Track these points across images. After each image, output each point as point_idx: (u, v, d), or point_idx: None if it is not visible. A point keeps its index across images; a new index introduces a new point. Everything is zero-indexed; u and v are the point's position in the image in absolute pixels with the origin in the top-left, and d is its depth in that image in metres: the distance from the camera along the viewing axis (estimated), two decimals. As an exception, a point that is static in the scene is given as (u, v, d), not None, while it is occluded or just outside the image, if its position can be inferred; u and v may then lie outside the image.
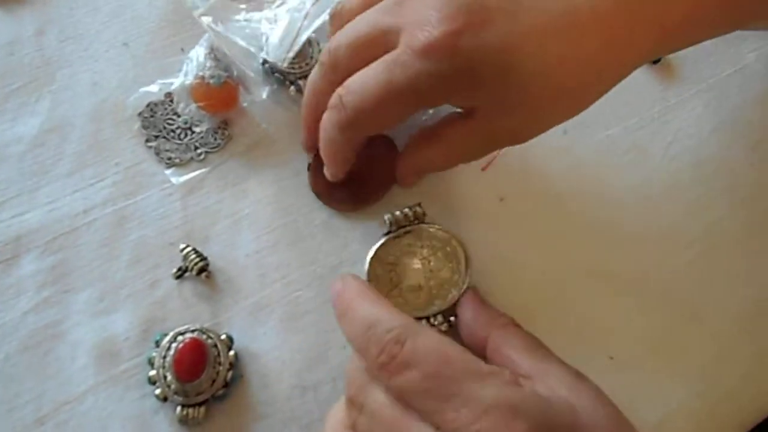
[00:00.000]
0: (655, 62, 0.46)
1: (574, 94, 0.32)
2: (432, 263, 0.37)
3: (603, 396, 0.28)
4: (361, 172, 0.38)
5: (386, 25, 0.32)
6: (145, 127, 0.41)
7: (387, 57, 0.31)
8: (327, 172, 0.38)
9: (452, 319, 0.36)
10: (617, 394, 0.27)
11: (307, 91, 0.38)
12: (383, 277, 0.37)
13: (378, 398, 0.26)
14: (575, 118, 0.33)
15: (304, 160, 0.41)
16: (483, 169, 0.41)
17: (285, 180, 0.40)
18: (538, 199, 0.41)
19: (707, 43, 0.36)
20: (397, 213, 0.37)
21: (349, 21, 0.35)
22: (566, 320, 0.38)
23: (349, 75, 0.33)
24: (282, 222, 0.39)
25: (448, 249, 0.37)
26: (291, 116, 0.42)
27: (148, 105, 0.41)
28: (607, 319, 0.39)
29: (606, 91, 0.33)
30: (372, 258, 0.37)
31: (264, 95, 0.41)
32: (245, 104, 0.42)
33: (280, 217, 0.39)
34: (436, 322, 0.36)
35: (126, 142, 0.40)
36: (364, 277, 0.37)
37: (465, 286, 0.36)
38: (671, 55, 0.46)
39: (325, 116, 0.35)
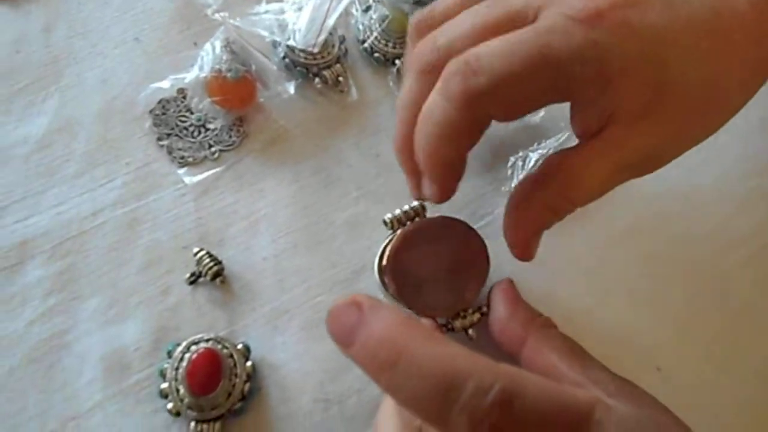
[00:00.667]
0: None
1: (725, 97, 0.27)
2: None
3: (662, 406, 0.25)
4: (450, 268, 0.33)
5: (523, 4, 0.26)
6: (156, 125, 0.39)
7: (535, 25, 0.25)
8: (429, 190, 0.28)
9: (484, 309, 0.33)
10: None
11: (401, 113, 0.29)
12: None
13: None
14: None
15: (324, 157, 0.38)
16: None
17: (304, 179, 0.38)
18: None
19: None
20: (397, 212, 0.34)
21: (443, 23, 0.28)
22: (608, 327, 0.35)
23: None
24: (301, 224, 0.37)
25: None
26: (314, 111, 0.40)
27: (159, 102, 0.39)
28: (652, 326, 0.36)
29: (752, 95, 0.28)
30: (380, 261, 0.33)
31: (292, 90, 0.39)
32: (262, 100, 0.39)
33: (300, 219, 0.37)
34: (468, 315, 0.33)
35: (137, 141, 0.38)
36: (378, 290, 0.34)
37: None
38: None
39: (435, 93, 0.26)
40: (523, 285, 0.34)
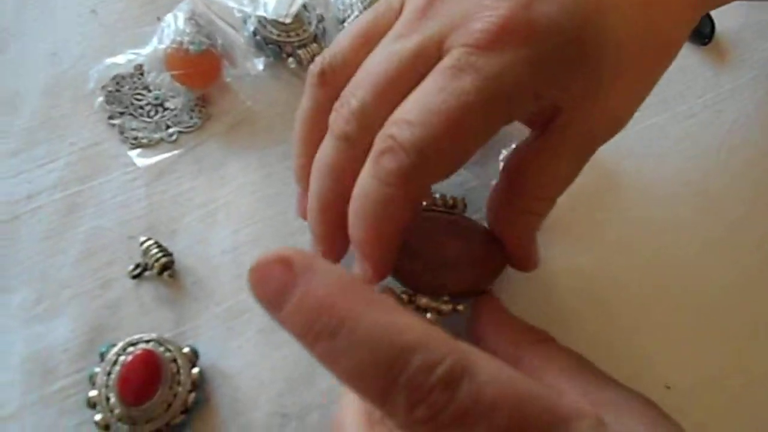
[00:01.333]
0: (704, 43, 0.40)
1: (667, 41, 0.26)
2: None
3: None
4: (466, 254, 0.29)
5: (419, 42, 0.24)
6: (109, 103, 0.35)
7: (441, 68, 0.23)
8: (363, 270, 0.25)
9: (460, 308, 0.28)
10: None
11: (318, 179, 0.26)
12: None
13: None
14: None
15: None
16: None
17: (272, 165, 0.34)
18: (575, 194, 0.34)
19: (765, 22, 0.31)
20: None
21: (349, 78, 0.26)
22: (612, 342, 0.31)
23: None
24: (266, 214, 0.33)
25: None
26: (286, 92, 0.36)
27: (114, 78, 0.35)
28: (661, 340, 0.31)
29: (694, 26, 0.27)
30: None
31: (261, 67, 0.35)
32: (228, 79, 0.35)
33: (265, 208, 0.33)
34: (439, 305, 0.28)
35: (85, 119, 0.34)
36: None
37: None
38: (723, 36, 0.40)
39: (367, 175, 0.24)
40: (519, 297, 0.30)
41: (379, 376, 0.16)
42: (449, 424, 0.15)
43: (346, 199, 0.25)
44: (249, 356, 0.29)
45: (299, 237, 0.32)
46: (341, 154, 0.25)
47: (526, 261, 0.28)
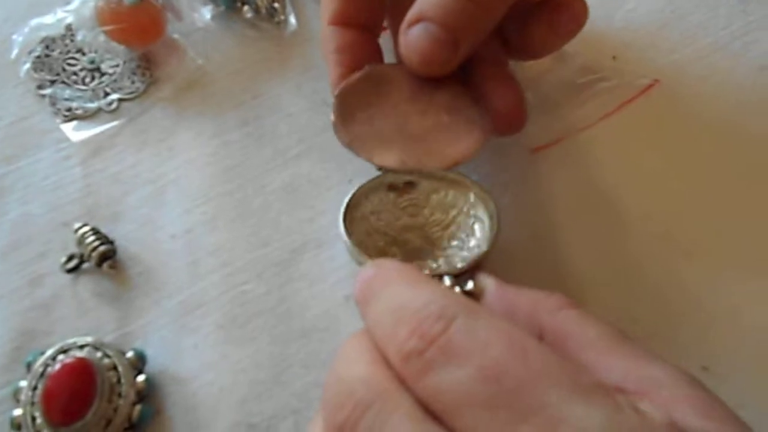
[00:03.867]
0: (729, -34, 0.34)
1: None
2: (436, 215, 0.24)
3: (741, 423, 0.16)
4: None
5: None
6: (36, 70, 0.30)
7: None
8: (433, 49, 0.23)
9: (470, 286, 0.23)
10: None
11: None
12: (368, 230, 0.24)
13: (397, 419, 0.15)
14: (624, 41, 0.22)
15: (255, 105, 0.30)
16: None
17: (228, 133, 0.29)
18: (587, 146, 0.29)
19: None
20: None
21: None
22: (646, 319, 0.26)
23: None
24: (223, 189, 0.28)
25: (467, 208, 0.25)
26: (242, 47, 0.31)
27: (42, 41, 0.30)
28: (696, 316, 0.27)
29: None
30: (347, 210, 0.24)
31: (208, 16, 0.30)
32: (175, 35, 0.30)
33: (221, 184, 0.28)
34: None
35: (10, 90, 0.30)
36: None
37: (485, 249, 0.24)
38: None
39: None
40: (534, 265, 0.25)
41: (386, 321, 0.16)
42: (439, 357, 0.15)
43: None
44: (206, 357, 0.25)
45: (261, 215, 0.27)
46: None
47: (513, 113, 0.25)
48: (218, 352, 0.25)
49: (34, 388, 0.22)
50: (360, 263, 0.23)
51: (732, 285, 0.27)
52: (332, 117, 0.24)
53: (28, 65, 0.30)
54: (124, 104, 0.29)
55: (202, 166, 0.28)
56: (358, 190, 0.24)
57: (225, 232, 0.27)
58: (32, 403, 0.22)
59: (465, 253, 0.23)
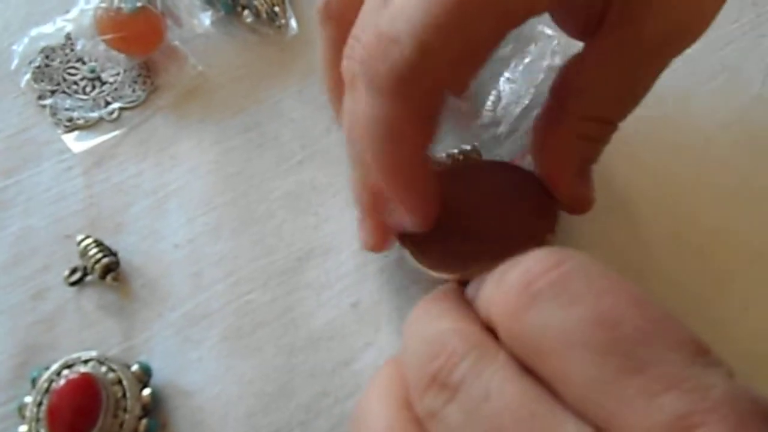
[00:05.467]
0: (738, -43, 0.33)
1: None
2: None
3: None
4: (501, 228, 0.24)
5: None
6: (37, 81, 0.30)
7: None
8: (401, 217, 0.22)
9: None
10: None
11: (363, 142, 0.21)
12: None
13: (494, 370, 0.14)
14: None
15: (257, 111, 0.29)
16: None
17: (230, 140, 0.29)
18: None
19: None
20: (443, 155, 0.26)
21: (358, 7, 0.21)
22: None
23: None
24: (226, 198, 0.28)
25: None
26: (243, 53, 0.31)
27: (42, 51, 0.30)
28: (706, 316, 0.26)
29: None
30: None
31: (207, 22, 0.30)
32: (175, 42, 0.30)
33: (224, 192, 0.28)
34: None
35: (11, 102, 0.29)
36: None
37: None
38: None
39: (355, 91, 0.20)
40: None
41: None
42: (548, 293, 0.14)
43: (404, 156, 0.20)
44: (212, 369, 0.24)
45: (265, 223, 0.27)
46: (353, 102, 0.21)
47: (578, 200, 0.24)
48: (224, 364, 0.25)
49: (39, 404, 0.22)
50: None
51: (742, 285, 0.26)
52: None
53: (28, 76, 0.29)
54: (126, 113, 0.29)
55: (205, 174, 0.28)
56: None
57: (229, 241, 0.27)
58: (37, 420, 0.22)
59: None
